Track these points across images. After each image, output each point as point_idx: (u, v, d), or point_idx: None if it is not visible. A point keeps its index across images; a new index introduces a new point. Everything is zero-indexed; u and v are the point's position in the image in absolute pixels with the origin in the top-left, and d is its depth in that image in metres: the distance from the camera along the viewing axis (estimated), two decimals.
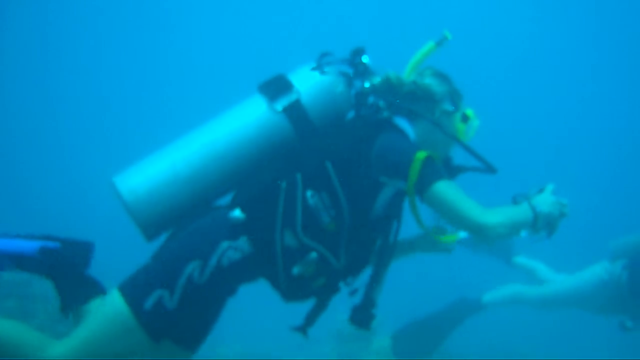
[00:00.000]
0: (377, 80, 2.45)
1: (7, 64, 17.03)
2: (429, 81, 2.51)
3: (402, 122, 2.43)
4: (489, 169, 2.39)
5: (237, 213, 2.27)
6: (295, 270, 2.26)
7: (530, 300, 5.04)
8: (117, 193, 2.29)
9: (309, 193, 2.27)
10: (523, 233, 2.35)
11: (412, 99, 2.48)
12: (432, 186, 2.20)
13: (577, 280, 4.81)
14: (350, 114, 2.51)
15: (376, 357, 6.73)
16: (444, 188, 2.21)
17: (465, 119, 2.53)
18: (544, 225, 2.31)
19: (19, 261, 2.31)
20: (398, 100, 2.44)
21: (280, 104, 2.37)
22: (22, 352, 2.17)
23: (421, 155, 2.23)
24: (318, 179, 2.28)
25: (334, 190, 2.28)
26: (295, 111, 2.37)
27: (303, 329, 2.46)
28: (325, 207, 2.27)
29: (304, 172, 2.29)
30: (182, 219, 2.34)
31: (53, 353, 2.18)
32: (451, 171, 2.50)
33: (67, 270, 2.35)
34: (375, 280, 2.45)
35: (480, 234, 2.20)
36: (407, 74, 2.56)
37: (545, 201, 2.33)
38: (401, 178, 2.25)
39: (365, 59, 2.48)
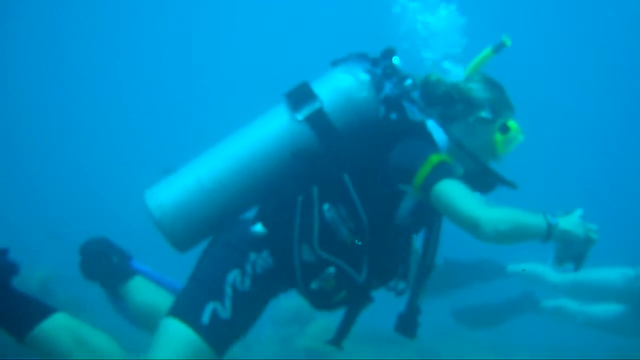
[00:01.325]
0: (409, 81, 2.37)
1: (22, 69, 16.83)
2: (472, 85, 2.42)
3: (434, 127, 2.37)
4: (508, 184, 2.36)
5: (258, 228, 2.26)
6: (314, 285, 2.24)
7: (548, 279, 4.92)
8: (147, 208, 2.30)
9: (325, 206, 2.24)
10: (550, 260, 2.16)
11: (448, 102, 2.40)
12: (436, 185, 2.11)
13: (601, 270, 4.68)
14: (382, 117, 2.40)
15: (310, 341, 6.85)
16: (448, 186, 2.10)
17: (504, 129, 2.38)
18: (566, 249, 2.11)
19: None
20: (427, 103, 2.38)
21: (301, 114, 2.33)
22: None
23: (435, 158, 2.17)
24: (335, 192, 2.26)
25: (351, 203, 2.23)
26: (317, 120, 2.32)
27: (337, 342, 2.43)
28: (343, 220, 2.24)
29: (320, 185, 2.26)
30: (210, 232, 2.35)
31: None
32: (486, 182, 2.40)
33: None
34: (418, 288, 2.39)
35: (476, 230, 2.03)
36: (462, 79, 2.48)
37: (568, 221, 2.11)
38: (409, 182, 2.19)
39: (395, 60, 2.40)
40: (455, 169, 2.25)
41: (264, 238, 2.27)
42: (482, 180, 2.40)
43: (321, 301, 2.31)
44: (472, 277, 4.79)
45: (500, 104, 2.42)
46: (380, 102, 2.39)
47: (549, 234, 2.06)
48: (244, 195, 2.35)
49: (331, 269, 2.23)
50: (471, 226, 2.04)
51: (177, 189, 2.34)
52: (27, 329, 2.10)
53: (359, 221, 2.24)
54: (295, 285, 2.32)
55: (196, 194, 2.31)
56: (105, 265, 2.56)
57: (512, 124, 2.39)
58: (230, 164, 2.33)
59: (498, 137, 2.38)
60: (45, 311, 2.13)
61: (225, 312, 2.17)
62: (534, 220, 2.08)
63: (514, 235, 2.06)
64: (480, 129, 2.39)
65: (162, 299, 2.48)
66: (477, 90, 2.41)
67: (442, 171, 2.15)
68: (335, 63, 2.48)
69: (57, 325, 2.11)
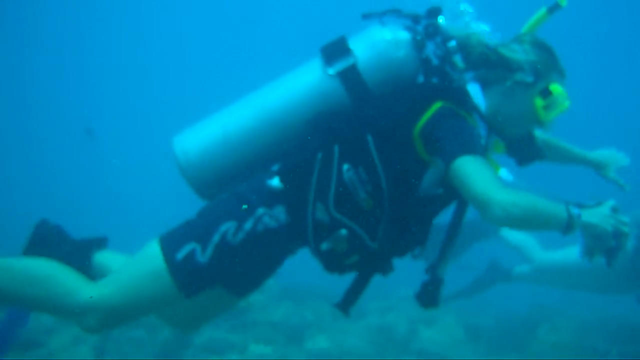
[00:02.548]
0: (453, 43, 2.25)
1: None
2: (515, 46, 2.28)
3: (473, 91, 2.27)
4: (535, 156, 2.33)
5: (275, 182, 2.24)
6: (324, 246, 2.19)
7: (533, 257, 4.92)
8: (173, 153, 2.30)
9: (345, 167, 2.18)
10: (577, 248, 2.03)
11: (486, 65, 2.29)
12: (456, 160, 2.04)
13: None
14: (420, 79, 2.30)
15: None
16: (467, 162, 2.04)
17: (546, 94, 2.22)
18: (595, 242, 2.00)
19: None
20: (467, 66, 2.28)
21: (334, 68, 2.27)
22: (54, 293, 2.14)
23: (439, 104, 2.15)
24: (356, 153, 2.19)
25: (372, 166, 2.17)
26: (349, 76, 2.25)
27: (344, 307, 2.37)
28: (361, 183, 2.17)
29: (342, 144, 2.21)
30: (232, 182, 2.32)
31: (85, 295, 2.14)
32: (531, 153, 2.33)
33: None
34: (442, 258, 2.32)
35: (486, 210, 1.95)
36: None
37: (594, 213, 1.99)
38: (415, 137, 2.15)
39: (440, 19, 2.28)
40: (465, 116, 2.18)
41: (280, 193, 2.24)
42: (526, 148, 2.33)
43: (332, 263, 2.26)
44: (468, 237, 4.63)
45: (545, 67, 2.26)
46: (419, 63, 2.29)
47: (570, 225, 1.95)
48: (269, 148, 2.32)
49: (343, 231, 2.18)
50: (482, 205, 1.97)
51: (203, 136, 2.34)
52: None
53: (378, 186, 2.18)
54: (306, 244, 2.28)
55: (222, 143, 2.30)
56: (64, 245, 2.52)
57: (555, 87, 2.23)
58: (258, 115, 2.30)
59: (538, 101, 2.23)
60: None
61: (202, 256, 2.19)
62: (553, 208, 1.98)
63: (526, 221, 1.99)
64: (519, 93, 2.26)
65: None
66: (518, 51, 2.27)
67: (450, 129, 2.09)
68: (372, 17, 2.37)
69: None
